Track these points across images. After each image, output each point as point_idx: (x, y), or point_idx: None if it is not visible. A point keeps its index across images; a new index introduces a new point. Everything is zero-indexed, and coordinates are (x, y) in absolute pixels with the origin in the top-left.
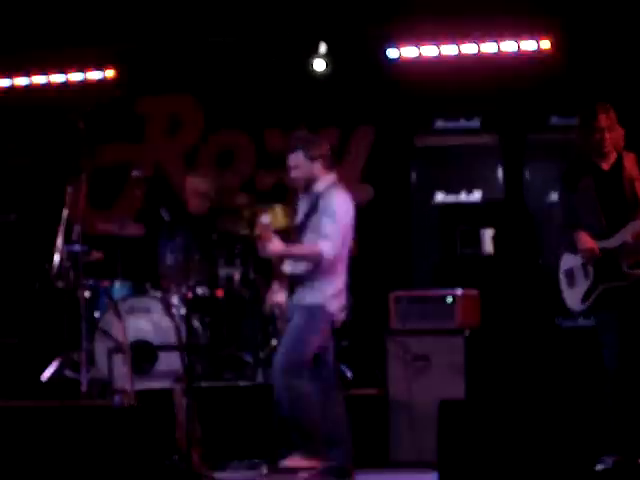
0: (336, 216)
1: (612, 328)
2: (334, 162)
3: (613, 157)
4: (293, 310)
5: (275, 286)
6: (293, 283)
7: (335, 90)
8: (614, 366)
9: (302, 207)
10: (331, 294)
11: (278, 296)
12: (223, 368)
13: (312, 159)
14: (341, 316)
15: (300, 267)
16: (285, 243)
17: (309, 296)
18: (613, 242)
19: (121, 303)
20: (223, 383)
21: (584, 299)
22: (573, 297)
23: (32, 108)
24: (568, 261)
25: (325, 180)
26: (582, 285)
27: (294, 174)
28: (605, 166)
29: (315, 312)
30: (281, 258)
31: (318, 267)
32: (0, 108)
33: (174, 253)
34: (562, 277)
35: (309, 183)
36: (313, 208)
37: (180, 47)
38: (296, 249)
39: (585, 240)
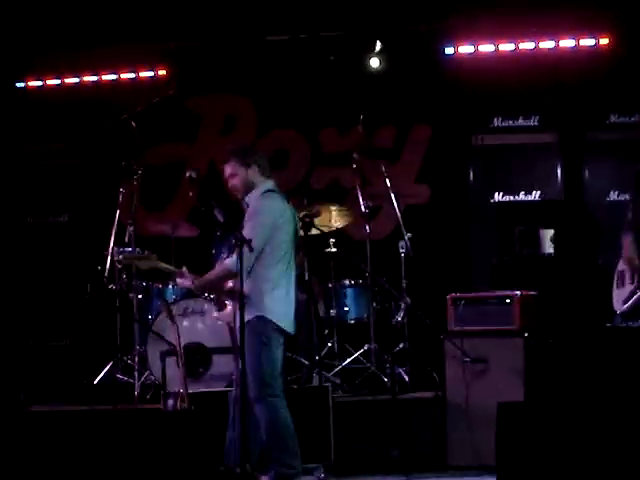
0: (262, 222)
1: None
2: (272, 169)
3: None
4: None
5: (228, 305)
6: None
7: (391, 88)
8: None
9: None
10: (270, 303)
11: (226, 315)
12: None
13: (247, 165)
14: (290, 325)
15: (234, 285)
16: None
17: (247, 312)
18: None
19: (174, 305)
20: None
21: (625, 301)
22: (618, 297)
23: (83, 107)
24: (622, 262)
25: (260, 188)
26: (627, 287)
27: (231, 183)
28: None
29: (256, 325)
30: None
31: (252, 281)
32: (51, 107)
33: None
34: (615, 277)
35: (248, 190)
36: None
37: (234, 46)
38: (208, 275)
39: (626, 248)
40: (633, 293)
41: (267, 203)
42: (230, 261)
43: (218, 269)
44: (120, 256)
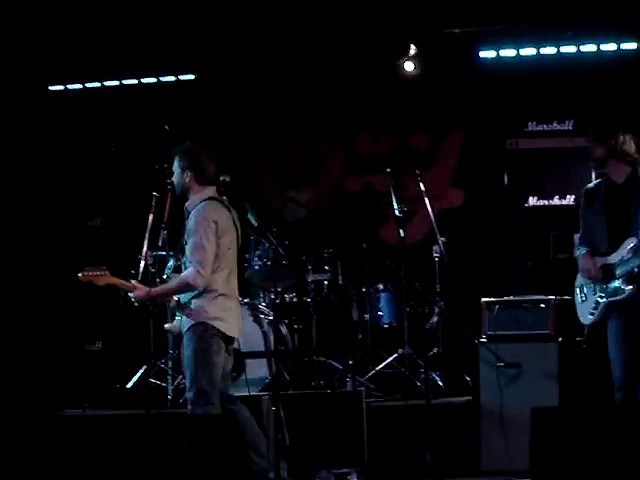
0: (202, 235)
1: (619, 340)
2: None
3: (627, 171)
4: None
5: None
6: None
7: (425, 93)
8: (620, 376)
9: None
10: (212, 310)
11: (176, 327)
12: (311, 375)
13: (182, 169)
14: (233, 330)
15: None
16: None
17: (187, 321)
18: (613, 258)
19: None
20: (312, 390)
21: (591, 313)
22: (584, 311)
23: (120, 111)
24: (580, 277)
25: (197, 196)
26: (590, 300)
27: (175, 180)
28: (618, 180)
29: (196, 331)
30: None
31: (193, 292)
32: (87, 110)
33: (262, 259)
34: (576, 291)
35: (184, 194)
36: (185, 227)
37: (266, 51)
38: (166, 288)
39: (584, 261)
40: (597, 303)
41: (207, 214)
42: (186, 274)
43: (175, 281)
44: (79, 274)
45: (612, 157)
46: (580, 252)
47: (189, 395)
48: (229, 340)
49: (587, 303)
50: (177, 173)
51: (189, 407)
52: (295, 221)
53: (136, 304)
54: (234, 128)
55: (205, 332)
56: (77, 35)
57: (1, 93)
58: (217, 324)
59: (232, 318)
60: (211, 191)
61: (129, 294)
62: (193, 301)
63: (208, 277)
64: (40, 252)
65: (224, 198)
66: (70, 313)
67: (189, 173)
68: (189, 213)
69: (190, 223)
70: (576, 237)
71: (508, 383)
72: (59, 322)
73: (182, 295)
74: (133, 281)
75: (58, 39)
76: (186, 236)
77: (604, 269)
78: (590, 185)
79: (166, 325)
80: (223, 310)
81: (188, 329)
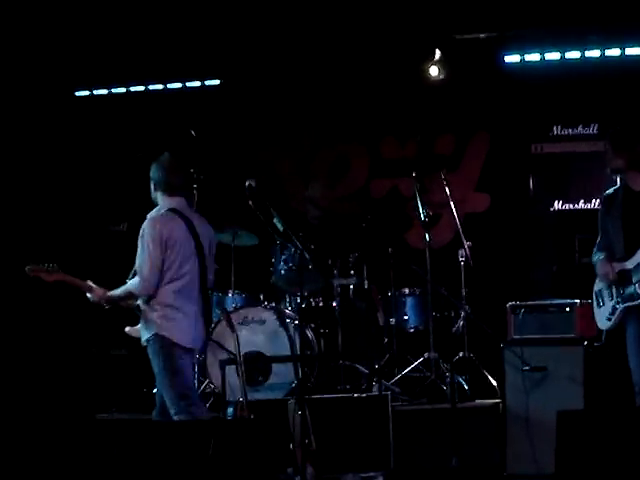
0: (149, 246)
1: (637, 344)
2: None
3: None
4: None
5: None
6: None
7: (451, 97)
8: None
9: None
10: (165, 321)
11: (135, 331)
12: (338, 379)
13: (151, 180)
14: (189, 340)
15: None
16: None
17: (147, 331)
18: (629, 264)
19: (234, 314)
20: (338, 394)
21: (608, 318)
22: (601, 316)
23: (145, 116)
24: (598, 282)
25: (160, 207)
26: (607, 305)
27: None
28: (636, 187)
29: (155, 343)
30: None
31: (146, 301)
32: (114, 116)
33: (288, 263)
34: (594, 296)
35: (156, 205)
36: None
37: (292, 56)
38: (114, 293)
39: (602, 265)
40: (615, 309)
41: (152, 225)
42: (132, 282)
43: (122, 288)
44: (26, 267)
45: (632, 169)
46: (598, 257)
47: (172, 408)
48: (185, 349)
49: (604, 308)
50: (151, 186)
51: (174, 417)
52: (313, 221)
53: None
54: (260, 132)
55: (162, 342)
56: (102, 40)
57: (28, 98)
58: (170, 335)
59: (188, 328)
60: (175, 202)
61: (87, 294)
62: (147, 312)
63: (149, 288)
64: (66, 258)
65: (193, 209)
66: (95, 318)
67: (155, 185)
68: None
69: (140, 234)
70: None
71: (533, 387)
72: (84, 327)
73: (139, 302)
74: (89, 282)
75: (84, 45)
76: None
77: (621, 274)
78: (609, 191)
79: (126, 328)
80: (172, 321)
81: (147, 340)
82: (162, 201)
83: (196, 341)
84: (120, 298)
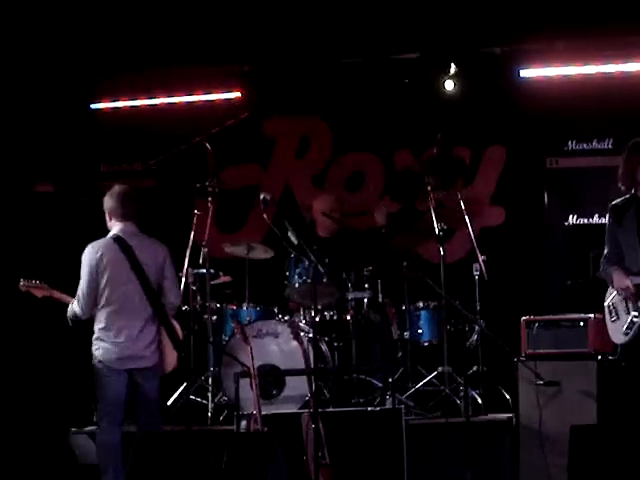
0: (82, 272)
1: None
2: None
3: None
4: None
5: None
6: None
7: (466, 111)
8: None
9: None
10: (97, 342)
11: None
12: (351, 393)
13: (108, 213)
14: (116, 362)
15: None
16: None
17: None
18: None
19: (248, 327)
20: (352, 408)
21: (625, 333)
22: (615, 330)
23: (158, 129)
24: (611, 295)
25: (110, 233)
26: (623, 319)
27: None
28: None
29: (93, 362)
30: None
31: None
32: (126, 129)
33: (302, 276)
34: (606, 310)
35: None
36: None
37: (309, 68)
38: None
39: (619, 278)
40: (632, 323)
41: (86, 251)
42: (70, 307)
43: (69, 310)
44: (20, 283)
45: None
46: (612, 269)
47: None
48: (122, 371)
49: (620, 322)
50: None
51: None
52: (324, 234)
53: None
54: (274, 144)
55: (95, 360)
56: (109, 52)
57: (43, 111)
58: (101, 356)
59: (111, 350)
60: (121, 228)
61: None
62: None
63: (85, 311)
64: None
65: (142, 234)
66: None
67: (109, 214)
68: None
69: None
70: None
71: (547, 401)
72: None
73: None
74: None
75: (91, 55)
76: None
77: (637, 288)
78: (617, 201)
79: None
80: (102, 342)
81: None
82: (112, 228)
83: (133, 362)
84: (69, 317)
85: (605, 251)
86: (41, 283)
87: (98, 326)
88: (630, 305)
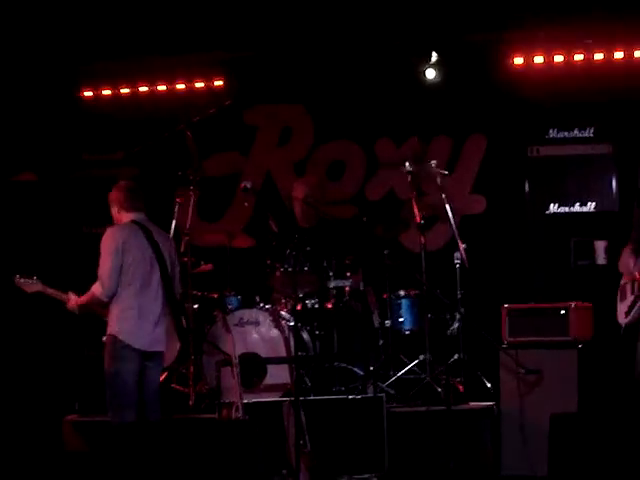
0: (106, 252)
1: None
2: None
3: None
4: None
5: None
6: None
7: (447, 99)
8: None
9: None
10: (120, 323)
11: None
12: (333, 381)
13: (117, 205)
14: (141, 342)
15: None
16: None
17: (107, 331)
18: None
19: (230, 315)
20: (333, 396)
21: (627, 313)
22: (620, 311)
23: (139, 117)
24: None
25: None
26: (627, 300)
27: None
28: None
29: (109, 342)
30: None
31: (112, 303)
32: (107, 117)
33: (283, 265)
34: (618, 292)
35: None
36: None
37: (290, 56)
38: (83, 299)
39: (624, 260)
40: (634, 304)
41: (110, 233)
42: (94, 287)
43: (87, 293)
44: (15, 276)
45: None
46: (625, 249)
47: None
48: (141, 352)
49: (624, 303)
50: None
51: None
52: (303, 223)
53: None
54: (255, 133)
55: (115, 344)
56: (90, 40)
57: (25, 100)
58: (124, 337)
59: (141, 331)
60: (135, 215)
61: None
62: (109, 314)
63: (109, 291)
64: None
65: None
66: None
67: (114, 206)
68: None
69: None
70: (598, 244)
71: (528, 389)
72: (80, 328)
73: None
74: (71, 293)
75: (73, 44)
76: None
77: None
78: None
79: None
80: (131, 323)
81: (105, 340)
82: (123, 217)
83: (151, 345)
84: (89, 303)
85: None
86: (35, 280)
87: (121, 305)
88: (636, 286)
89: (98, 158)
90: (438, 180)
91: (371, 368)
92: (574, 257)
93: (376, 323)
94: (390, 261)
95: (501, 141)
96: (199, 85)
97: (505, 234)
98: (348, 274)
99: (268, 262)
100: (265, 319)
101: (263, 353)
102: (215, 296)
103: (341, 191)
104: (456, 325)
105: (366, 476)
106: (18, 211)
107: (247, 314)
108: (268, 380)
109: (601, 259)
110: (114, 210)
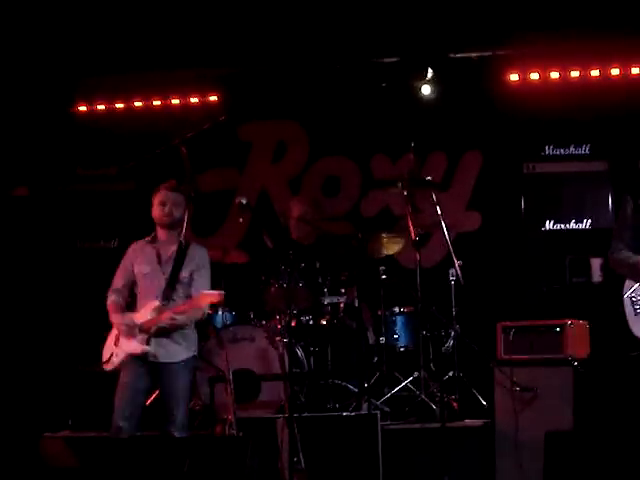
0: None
1: None
2: None
3: None
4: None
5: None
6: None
7: (443, 116)
8: None
9: (151, 251)
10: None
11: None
12: (327, 398)
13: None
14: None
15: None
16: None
17: (182, 352)
18: None
19: (224, 331)
20: (327, 413)
21: None
22: (638, 324)
23: (134, 133)
24: (632, 287)
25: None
26: None
27: (176, 212)
28: None
29: (190, 363)
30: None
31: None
32: (102, 132)
33: (278, 281)
34: (627, 302)
35: (174, 227)
36: (181, 258)
37: (286, 72)
38: (181, 318)
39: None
40: None
41: (207, 251)
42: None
43: (185, 315)
44: None
45: None
46: (629, 256)
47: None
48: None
49: None
50: (184, 206)
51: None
52: (300, 240)
53: None
54: (250, 148)
55: (196, 362)
56: (85, 55)
57: (20, 114)
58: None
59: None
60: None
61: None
62: (190, 334)
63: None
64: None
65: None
66: (85, 334)
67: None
68: (181, 244)
69: (200, 254)
70: (594, 261)
71: (523, 407)
72: (73, 343)
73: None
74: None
75: (69, 58)
76: (199, 268)
77: None
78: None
79: (146, 347)
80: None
81: (184, 359)
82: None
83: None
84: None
85: (616, 234)
86: None
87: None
88: None
89: (92, 173)
90: (433, 196)
91: (365, 385)
92: (569, 274)
93: (371, 340)
94: (385, 278)
95: (497, 157)
96: (194, 100)
97: (500, 251)
98: (343, 290)
99: (262, 278)
100: (259, 335)
101: (257, 369)
102: (209, 312)
103: (336, 207)
104: (451, 342)
105: None
106: (11, 226)
107: (241, 330)
108: (262, 397)
109: (597, 276)
110: (181, 212)
